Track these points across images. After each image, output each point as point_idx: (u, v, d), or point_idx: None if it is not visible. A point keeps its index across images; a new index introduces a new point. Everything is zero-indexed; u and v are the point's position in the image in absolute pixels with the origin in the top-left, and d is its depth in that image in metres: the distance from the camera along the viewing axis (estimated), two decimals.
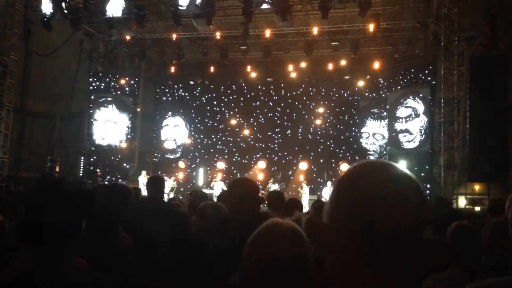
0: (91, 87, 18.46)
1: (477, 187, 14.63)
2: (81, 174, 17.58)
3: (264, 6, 13.66)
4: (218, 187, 15.57)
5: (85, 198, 3.37)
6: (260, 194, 3.36)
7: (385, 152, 17.85)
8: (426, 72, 16.15)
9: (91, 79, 18.43)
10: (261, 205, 3.27)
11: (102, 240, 2.72)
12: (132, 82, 19.38)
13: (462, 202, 13.58)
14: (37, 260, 1.70)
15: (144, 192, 6.05)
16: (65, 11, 14.30)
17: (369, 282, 0.91)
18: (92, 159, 18.00)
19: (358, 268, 0.92)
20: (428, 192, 14.97)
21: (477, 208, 12.21)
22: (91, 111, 18.39)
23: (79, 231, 1.83)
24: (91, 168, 17.66)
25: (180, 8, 13.94)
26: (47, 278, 1.68)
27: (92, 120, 18.35)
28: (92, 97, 18.49)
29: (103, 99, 18.63)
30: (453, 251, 2.53)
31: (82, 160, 18.10)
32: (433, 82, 15.61)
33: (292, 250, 1.51)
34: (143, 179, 15.93)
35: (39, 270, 1.69)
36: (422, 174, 15.68)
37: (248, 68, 18.33)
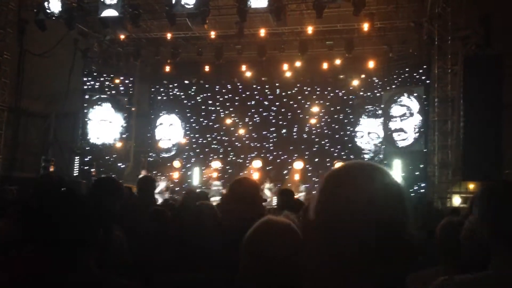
0: (85, 87, 18.37)
1: (471, 186, 14.69)
2: (75, 174, 17.52)
3: (259, 4, 13.61)
4: (215, 187, 15.58)
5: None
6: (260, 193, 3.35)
7: (380, 151, 17.91)
8: (421, 71, 16.18)
9: (85, 79, 18.34)
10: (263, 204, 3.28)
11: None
12: (127, 81, 19.32)
13: (456, 200, 13.64)
14: (51, 264, 1.66)
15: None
16: (47, 11, 14.28)
17: (340, 281, 0.94)
18: (86, 159, 17.94)
19: (329, 266, 0.95)
20: (422, 190, 15.04)
21: None
22: (85, 111, 18.32)
23: (94, 236, 1.78)
24: (86, 167, 17.62)
25: (174, 7, 13.94)
26: (61, 283, 1.65)
27: (86, 119, 18.29)
28: (87, 97, 18.41)
29: (98, 97, 18.57)
30: (442, 248, 2.53)
31: (76, 159, 18.04)
32: (427, 81, 15.65)
33: (286, 247, 1.52)
34: None
35: (53, 274, 1.66)
36: (417, 173, 15.73)
37: (243, 68, 18.33)
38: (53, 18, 14.49)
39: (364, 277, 0.93)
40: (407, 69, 16.55)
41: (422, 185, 15.20)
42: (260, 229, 1.59)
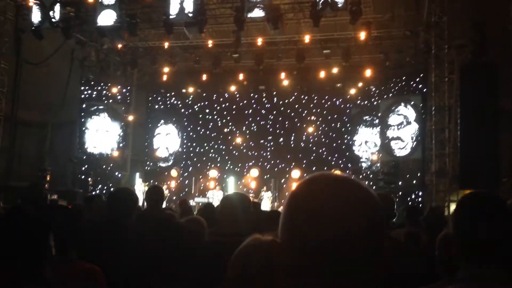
0: (82, 96, 18.39)
1: None
2: (72, 183, 17.46)
3: (256, 13, 13.68)
4: (216, 197, 15.36)
5: (69, 215, 3.26)
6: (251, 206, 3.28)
7: (378, 159, 17.89)
8: (417, 79, 16.24)
9: (82, 88, 18.35)
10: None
11: None
12: (124, 90, 19.33)
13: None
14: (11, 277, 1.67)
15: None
16: (53, 20, 14.26)
17: None
18: (83, 168, 17.89)
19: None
20: (419, 199, 15.00)
21: None
22: (82, 120, 18.31)
23: (48, 248, 1.80)
24: (83, 177, 17.57)
25: (171, 16, 13.97)
26: None
27: (83, 128, 18.27)
28: (84, 106, 18.43)
29: (95, 107, 18.56)
30: (442, 261, 2.45)
31: (73, 169, 17.99)
32: (424, 90, 15.71)
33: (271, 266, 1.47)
34: (140, 187, 15.95)
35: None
36: (414, 182, 15.71)
37: (240, 76, 18.34)
38: (60, 27, 14.49)
39: None
40: (403, 78, 16.61)
41: (420, 193, 15.18)
42: (246, 248, 1.55)
